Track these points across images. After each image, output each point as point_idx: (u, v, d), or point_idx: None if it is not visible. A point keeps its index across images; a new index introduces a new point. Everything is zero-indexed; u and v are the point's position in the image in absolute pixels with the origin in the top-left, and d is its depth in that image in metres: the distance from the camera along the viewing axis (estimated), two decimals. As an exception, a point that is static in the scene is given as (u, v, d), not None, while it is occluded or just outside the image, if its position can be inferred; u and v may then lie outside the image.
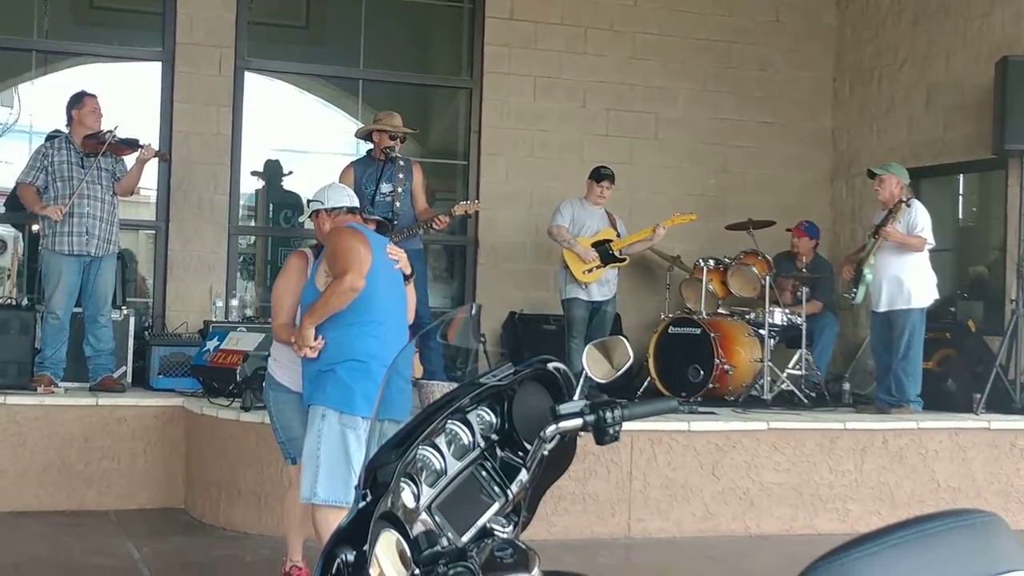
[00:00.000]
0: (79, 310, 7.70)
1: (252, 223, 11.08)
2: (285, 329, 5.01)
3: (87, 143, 7.63)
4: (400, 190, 7.52)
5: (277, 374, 5.17)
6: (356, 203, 5.25)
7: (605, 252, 8.45)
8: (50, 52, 9.68)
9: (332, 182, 5.67)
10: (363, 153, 8.22)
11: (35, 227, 7.97)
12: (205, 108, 9.13)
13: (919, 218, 7.82)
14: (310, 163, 11.13)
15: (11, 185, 8.56)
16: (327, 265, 4.85)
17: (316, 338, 4.77)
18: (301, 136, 11.46)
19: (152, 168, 8.43)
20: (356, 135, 8.38)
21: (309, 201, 5.40)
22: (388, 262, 4.97)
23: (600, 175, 8.57)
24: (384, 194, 7.56)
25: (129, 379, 7.99)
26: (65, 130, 7.90)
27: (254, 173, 10.56)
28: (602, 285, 8.48)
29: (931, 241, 7.85)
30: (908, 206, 7.85)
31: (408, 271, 5.13)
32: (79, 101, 7.74)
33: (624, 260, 8.57)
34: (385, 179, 7.59)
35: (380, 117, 7.94)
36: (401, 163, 7.70)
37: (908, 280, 7.81)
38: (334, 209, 5.11)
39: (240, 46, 9.29)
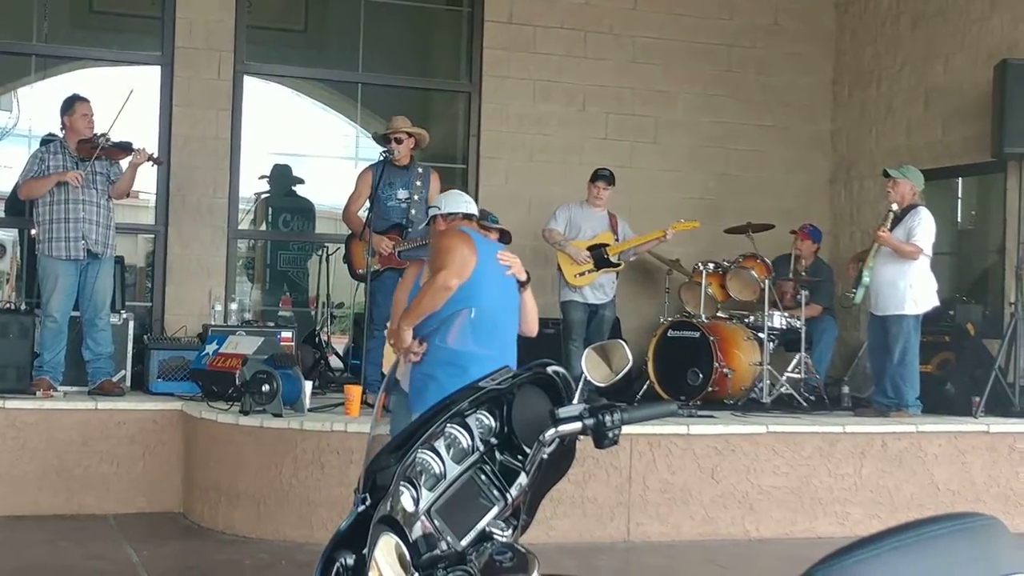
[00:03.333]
0: (78, 314, 7.70)
1: (253, 227, 11.07)
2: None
3: (81, 148, 7.63)
4: (416, 197, 7.48)
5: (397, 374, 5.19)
6: (473, 210, 5.26)
7: (600, 256, 8.44)
8: (49, 56, 9.68)
9: (452, 189, 5.73)
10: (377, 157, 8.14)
11: (33, 231, 7.97)
12: (204, 112, 9.13)
13: (920, 227, 7.76)
14: (309, 167, 11.14)
15: (9, 189, 8.58)
16: (428, 265, 4.88)
17: (420, 343, 4.79)
18: (300, 140, 11.47)
19: (151, 172, 8.44)
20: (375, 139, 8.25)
21: (428, 207, 5.45)
22: (499, 268, 4.95)
23: (595, 176, 8.59)
24: (400, 200, 7.54)
25: (128, 383, 7.98)
26: (60, 134, 7.90)
27: (262, 177, 10.58)
28: (596, 289, 8.48)
29: (927, 252, 7.78)
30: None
31: (523, 277, 5.11)
32: (70, 107, 7.74)
33: (619, 265, 8.57)
34: (402, 185, 7.57)
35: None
36: (419, 170, 7.68)
37: (904, 285, 7.78)
38: (450, 215, 5.15)
39: (239, 50, 9.29)
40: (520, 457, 2.27)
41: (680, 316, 8.98)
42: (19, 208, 8.65)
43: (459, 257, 4.77)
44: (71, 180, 7.46)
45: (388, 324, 5.27)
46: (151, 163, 7.99)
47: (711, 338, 8.38)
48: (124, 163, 7.82)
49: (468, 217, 5.21)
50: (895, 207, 7.85)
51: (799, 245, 9.44)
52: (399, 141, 7.57)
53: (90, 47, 9.96)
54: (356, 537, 2.12)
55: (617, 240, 8.57)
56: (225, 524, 6.72)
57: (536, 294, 9.45)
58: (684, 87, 10.29)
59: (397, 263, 7.20)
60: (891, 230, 7.80)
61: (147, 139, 8.14)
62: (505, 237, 5.46)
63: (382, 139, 7.68)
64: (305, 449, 6.49)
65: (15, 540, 6.41)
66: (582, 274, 8.43)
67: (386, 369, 5.66)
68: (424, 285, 4.81)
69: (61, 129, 7.83)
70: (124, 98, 7.59)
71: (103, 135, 7.61)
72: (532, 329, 5.26)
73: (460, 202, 5.27)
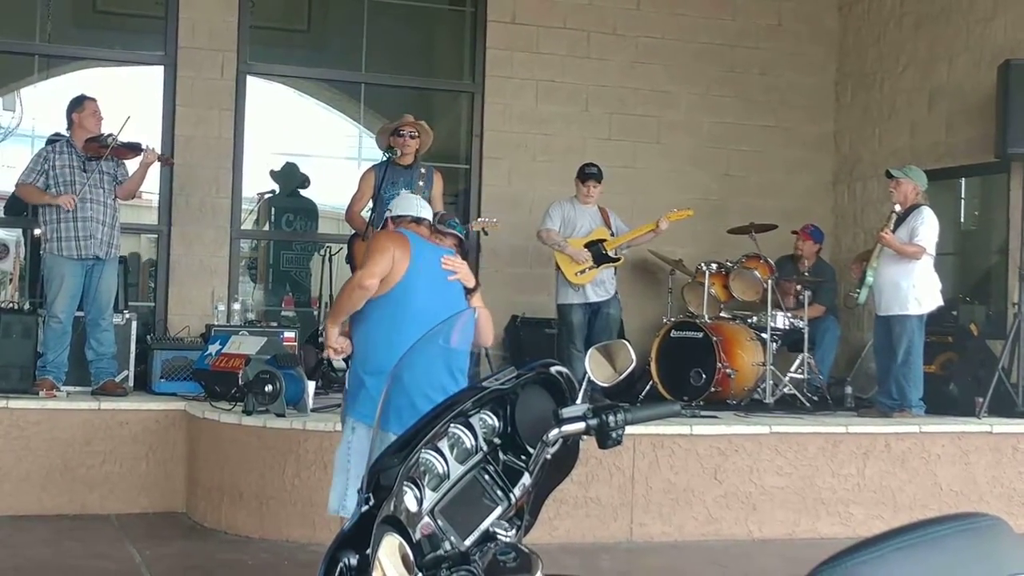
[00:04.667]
0: (81, 314, 7.71)
1: (256, 227, 11.07)
2: None
3: (89, 147, 7.62)
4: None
5: None
6: (424, 215, 5.22)
7: (598, 252, 8.37)
8: (53, 56, 9.69)
9: (405, 193, 5.68)
10: (381, 157, 8.13)
11: (37, 231, 7.98)
12: (207, 112, 9.14)
13: (922, 226, 7.75)
14: (312, 167, 11.14)
15: (13, 188, 8.57)
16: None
17: (338, 339, 4.77)
18: (303, 140, 11.48)
19: (154, 172, 8.44)
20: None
21: (383, 210, 5.47)
22: (438, 272, 4.87)
23: (585, 175, 8.47)
24: None
25: (131, 383, 7.98)
26: (66, 134, 7.90)
27: (272, 172, 10.57)
28: (597, 286, 8.40)
29: (931, 252, 7.77)
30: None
31: (470, 284, 5.01)
32: (79, 105, 7.74)
33: (618, 260, 8.50)
34: (405, 185, 7.56)
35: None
36: (422, 170, 7.67)
37: (907, 285, 7.77)
38: (398, 217, 5.13)
39: (242, 50, 9.30)
40: (524, 457, 2.27)
41: (683, 316, 8.98)
42: (22, 208, 8.66)
43: (383, 258, 4.70)
44: (64, 204, 7.46)
45: None
46: (162, 163, 8.00)
47: (714, 338, 8.38)
48: (131, 165, 7.82)
49: (417, 221, 5.15)
50: (898, 207, 7.85)
51: (800, 246, 9.44)
52: (414, 136, 7.57)
53: (93, 47, 9.97)
54: (360, 537, 2.12)
55: (612, 234, 8.50)
56: (228, 524, 6.72)
57: (539, 293, 9.53)
58: (687, 87, 10.29)
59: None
60: (894, 230, 7.80)
61: (150, 139, 8.13)
62: (462, 245, 5.42)
63: (386, 149, 7.67)
64: (308, 449, 6.49)
65: (18, 539, 6.41)
66: (582, 272, 8.37)
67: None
68: (344, 284, 4.78)
69: (68, 128, 7.83)
70: (122, 123, 7.61)
71: (111, 135, 7.61)
72: (487, 339, 5.13)
73: (411, 206, 5.21)
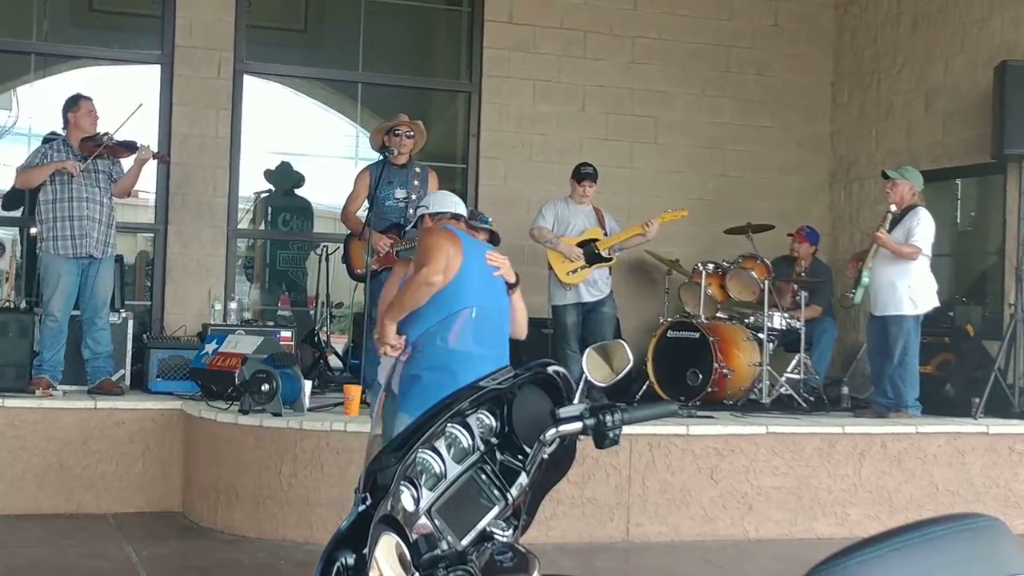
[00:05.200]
0: (77, 313, 7.70)
1: (252, 226, 11.07)
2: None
3: (84, 146, 7.61)
4: (414, 197, 7.45)
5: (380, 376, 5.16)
6: (462, 211, 5.23)
7: (591, 252, 8.32)
8: (49, 55, 9.67)
9: (440, 189, 5.65)
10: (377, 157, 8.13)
11: (33, 230, 7.97)
12: (204, 111, 9.14)
13: (918, 227, 7.75)
14: (309, 166, 11.14)
15: (8, 187, 8.56)
16: (414, 263, 4.87)
17: (399, 338, 4.77)
18: (300, 139, 11.47)
19: (150, 170, 8.43)
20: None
21: (417, 207, 5.45)
22: (487, 268, 4.90)
23: (580, 175, 8.42)
24: (398, 199, 7.53)
25: (127, 382, 7.98)
26: (62, 132, 7.89)
27: (267, 171, 10.57)
28: (590, 285, 8.34)
29: (926, 252, 7.77)
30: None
31: (512, 279, 5.05)
32: (74, 104, 7.73)
33: (611, 259, 8.46)
34: (400, 185, 7.56)
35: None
36: (417, 170, 7.67)
37: (903, 286, 7.77)
38: (438, 214, 5.13)
39: (239, 49, 9.30)
40: (520, 457, 2.27)
41: (680, 316, 8.98)
42: (19, 204, 8.64)
43: (442, 254, 4.73)
44: (70, 168, 7.44)
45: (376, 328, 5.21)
46: (157, 160, 7.99)
47: (711, 339, 8.38)
48: (126, 163, 7.82)
49: (456, 217, 5.17)
50: (893, 208, 7.85)
51: (796, 247, 9.45)
52: (410, 136, 7.57)
53: (90, 46, 9.97)
54: (356, 537, 2.11)
55: (606, 234, 8.48)
56: (224, 523, 6.71)
57: (532, 293, 9.52)
58: (684, 88, 10.29)
59: (396, 263, 7.19)
60: (890, 231, 7.80)
61: (147, 138, 8.12)
62: (494, 238, 5.42)
63: (380, 149, 7.66)
64: (304, 449, 6.49)
65: (14, 539, 6.41)
66: (574, 271, 8.32)
67: (381, 379, 5.63)
68: (407, 281, 4.79)
69: (64, 127, 7.82)
70: (132, 109, 7.58)
71: (106, 133, 7.61)
72: (522, 332, 5.19)
73: (448, 202, 5.24)
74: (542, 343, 9.04)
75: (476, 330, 4.80)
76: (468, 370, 4.29)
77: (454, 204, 5.24)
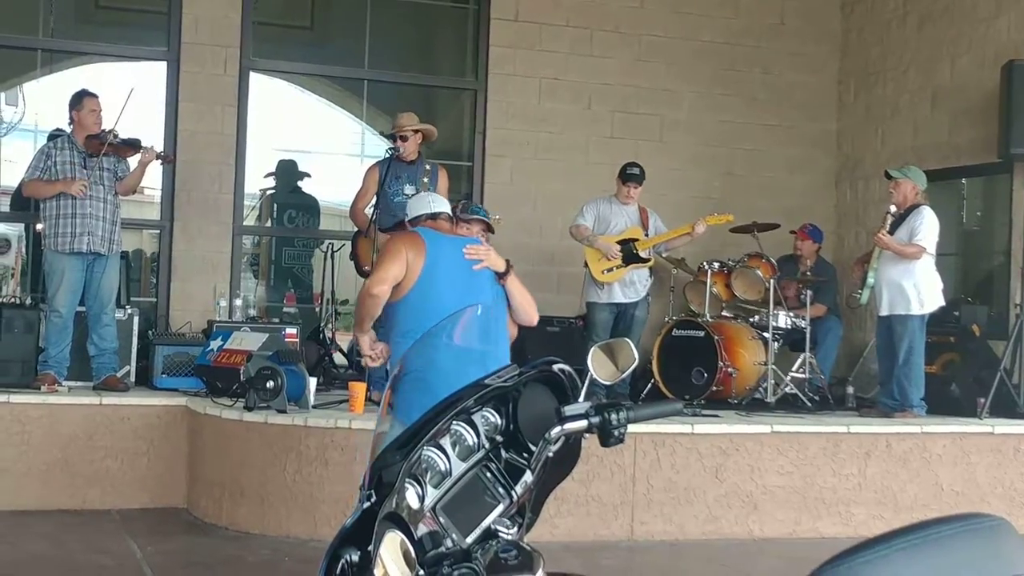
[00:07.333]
0: (83, 309, 7.71)
1: (258, 223, 11.07)
2: None
3: (89, 144, 7.63)
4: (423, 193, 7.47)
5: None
6: (440, 208, 5.16)
7: (628, 251, 8.26)
8: (55, 51, 9.69)
9: (419, 193, 5.61)
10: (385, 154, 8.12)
11: (39, 226, 7.98)
12: (210, 108, 9.15)
13: (921, 226, 7.74)
14: (315, 163, 11.13)
15: (15, 183, 8.57)
16: None
17: (373, 345, 4.76)
18: (306, 136, 11.47)
19: (156, 168, 8.43)
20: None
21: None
22: (462, 263, 4.83)
23: (626, 175, 8.38)
24: (407, 196, 7.52)
25: (132, 378, 7.99)
26: (67, 129, 7.90)
27: (268, 175, 10.57)
28: (626, 286, 8.29)
29: (931, 251, 7.76)
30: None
31: (500, 268, 4.93)
32: (79, 102, 7.74)
33: (648, 260, 8.37)
34: (408, 181, 7.57)
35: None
36: (427, 167, 7.68)
37: (909, 285, 7.77)
38: (414, 219, 5.10)
39: (245, 46, 9.30)
40: (526, 455, 2.27)
41: (685, 315, 8.98)
42: (24, 203, 8.66)
43: (393, 263, 4.68)
44: (75, 192, 7.46)
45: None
46: (160, 161, 7.99)
47: (716, 337, 8.38)
48: (132, 160, 7.83)
49: (433, 217, 5.11)
50: (893, 208, 7.85)
51: (799, 245, 9.44)
52: (404, 139, 7.59)
53: (96, 42, 9.97)
54: (361, 534, 2.11)
55: (647, 235, 8.39)
56: (229, 520, 6.72)
57: (541, 291, 9.49)
58: (689, 86, 10.28)
59: None
60: (894, 231, 7.80)
61: (153, 135, 8.15)
62: (490, 229, 5.38)
63: (390, 136, 7.69)
64: (309, 445, 6.49)
65: (19, 534, 6.41)
66: (610, 270, 8.26)
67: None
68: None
69: (69, 124, 7.83)
70: (125, 97, 7.56)
71: (111, 131, 7.61)
72: (527, 318, 5.09)
73: (423, 204, 5.17)
74: (548, 340, 9.00)
75: (451, 329, 4.75)
76: (447, 370, 4.31)
77: (428, 204, 5.16)
